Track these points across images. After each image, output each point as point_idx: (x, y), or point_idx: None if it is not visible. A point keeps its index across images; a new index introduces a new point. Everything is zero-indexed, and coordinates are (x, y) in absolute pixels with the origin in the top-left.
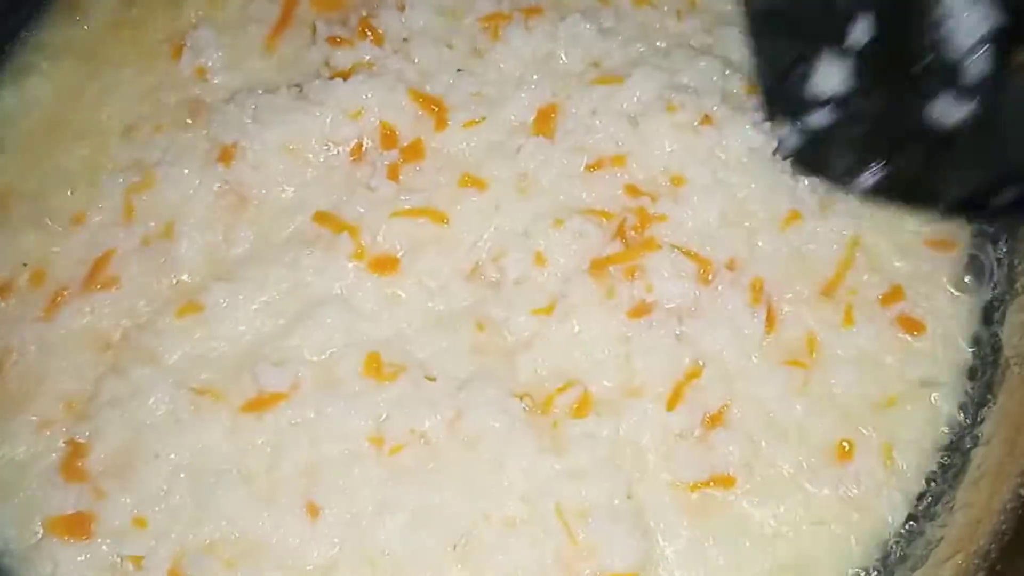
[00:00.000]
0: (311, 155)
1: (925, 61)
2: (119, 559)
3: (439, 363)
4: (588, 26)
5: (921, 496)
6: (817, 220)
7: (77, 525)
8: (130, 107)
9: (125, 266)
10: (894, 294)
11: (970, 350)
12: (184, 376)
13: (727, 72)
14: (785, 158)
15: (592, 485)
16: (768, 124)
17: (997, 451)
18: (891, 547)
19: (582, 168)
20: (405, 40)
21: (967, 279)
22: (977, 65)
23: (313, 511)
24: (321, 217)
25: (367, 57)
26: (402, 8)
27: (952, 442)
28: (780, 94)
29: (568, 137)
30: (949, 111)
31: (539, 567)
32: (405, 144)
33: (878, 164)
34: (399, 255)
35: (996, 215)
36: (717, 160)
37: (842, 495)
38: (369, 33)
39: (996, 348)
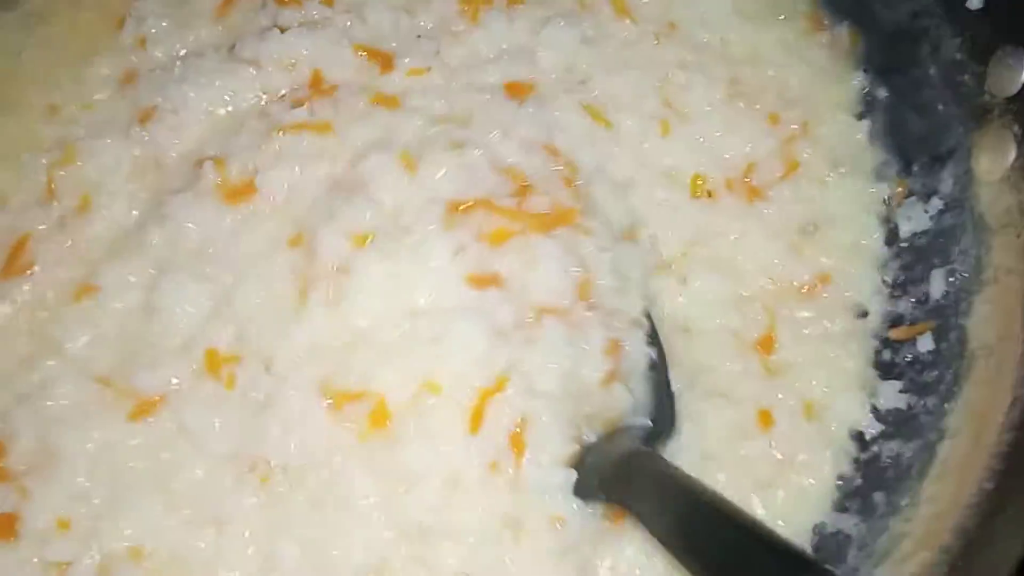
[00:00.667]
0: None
1: None
2: (44, 565)
3: None
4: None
5: (886, 486)
6: None
7: (2, 526)
8: (61, 82)
9: (40, 250)
10: None
11: None
12: (86, 365)
13: None
14: None
15: None
16: None
17: (963, 445)
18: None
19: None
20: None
21: None
22: None
23: (218, 525)
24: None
25: (315, 15)
26: None
27: None
28: None
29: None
30: None
31: None
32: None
33: None
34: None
35: None
36: None
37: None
38: None
39: (962, 340)
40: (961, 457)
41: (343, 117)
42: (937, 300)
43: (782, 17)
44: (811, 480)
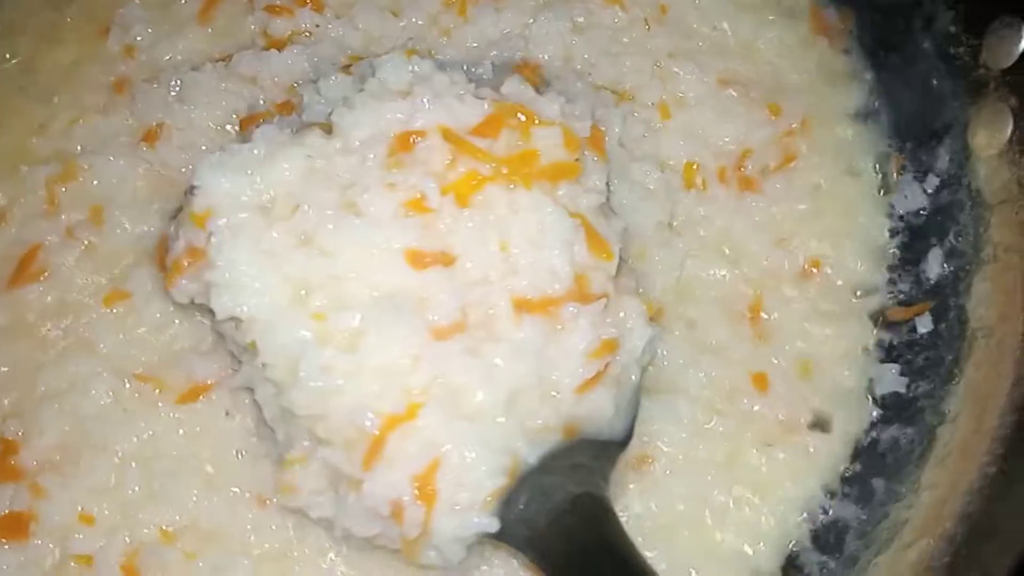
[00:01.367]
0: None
1: None
2: (65, 559)
3: None
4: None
5: (883, 473)
6: None
7: (13, 526)
8: (50, 93)
9: (53, 259)
10: None
11: None
12: (122, 364)
13: None
14: None
15: None
16: None
17: (963, 428)
18: None
19: None
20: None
21: None
22: None
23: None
24: None
25: (306, 24)
26: None
27: None
28: None
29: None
30: None
31: None
32: None
33: None
34: None
35: None
36: None
37: None
38: (309, 0)
39: (962, 320)
40: (962, 441)
41: None
42: (935, 280)
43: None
44: None
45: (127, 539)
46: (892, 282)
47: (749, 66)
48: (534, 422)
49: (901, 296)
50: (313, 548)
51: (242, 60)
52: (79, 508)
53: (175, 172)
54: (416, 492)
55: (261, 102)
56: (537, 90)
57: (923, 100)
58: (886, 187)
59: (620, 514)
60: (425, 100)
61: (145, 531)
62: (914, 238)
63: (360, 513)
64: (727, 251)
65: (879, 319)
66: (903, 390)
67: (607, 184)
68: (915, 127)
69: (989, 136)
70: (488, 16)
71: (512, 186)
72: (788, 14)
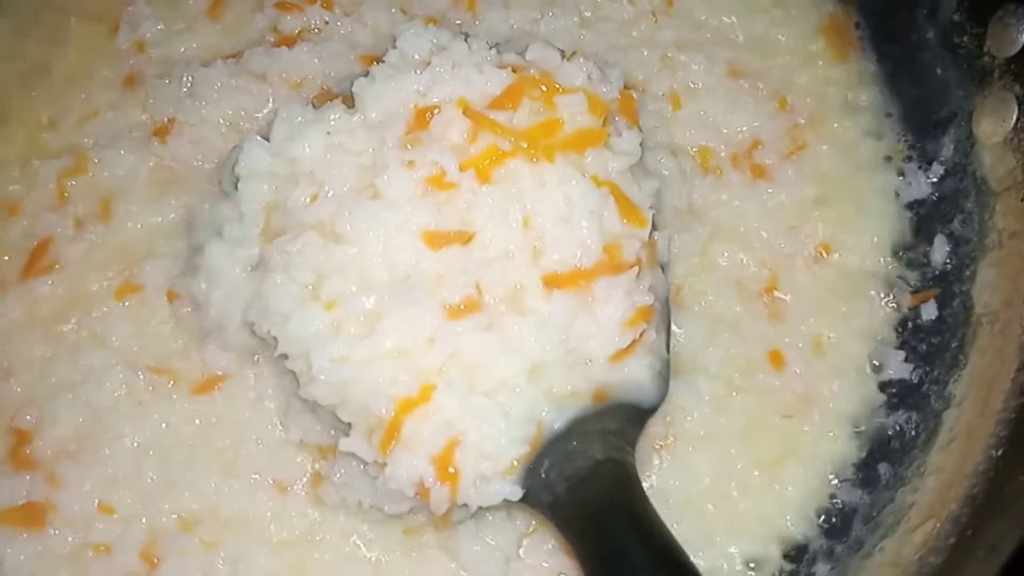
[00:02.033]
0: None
1: None
2: (83, 548)
3: None
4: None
5: (889, 458)
6: None
7: (28, 516)
8: (62, 89)
9: (63, 252)
10: None
11: None
12: (135, 356)
13: None
14: None
15: None
16: None
17: (968, 412)
18: None
19: None
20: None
21: None
22: None
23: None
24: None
25: (316, 21)
26: None
27: None
28: None
29: None
30: None
31: None
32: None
33: None
34: None
35: None
36: None
37: None
38: None
39: (967, 307)
40: (967, 425)
41: None
42: (941, 267)
43: None
44: None
45: (145, 527)
46: (899, 269)
47: (757, 57)
48: (563, 389)
49: (907, 283)
50: (335, 533)
51: (252, 57)
52: (96, 498)
53: (186, 166)
54: (436, 473)
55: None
56: (563, 55)
57: (928, 89)
58: (892, 176)
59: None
60: (443, 70)
61: (164, 520)
62: (920, 226)
63: (387, 494)
64: (742, 234)
65: (887, 304)
66: (908, 376)
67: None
68: (920, 116)
69: (994, 124)
70: (497, 12)
71: (535, 160)
72: (794, 7)
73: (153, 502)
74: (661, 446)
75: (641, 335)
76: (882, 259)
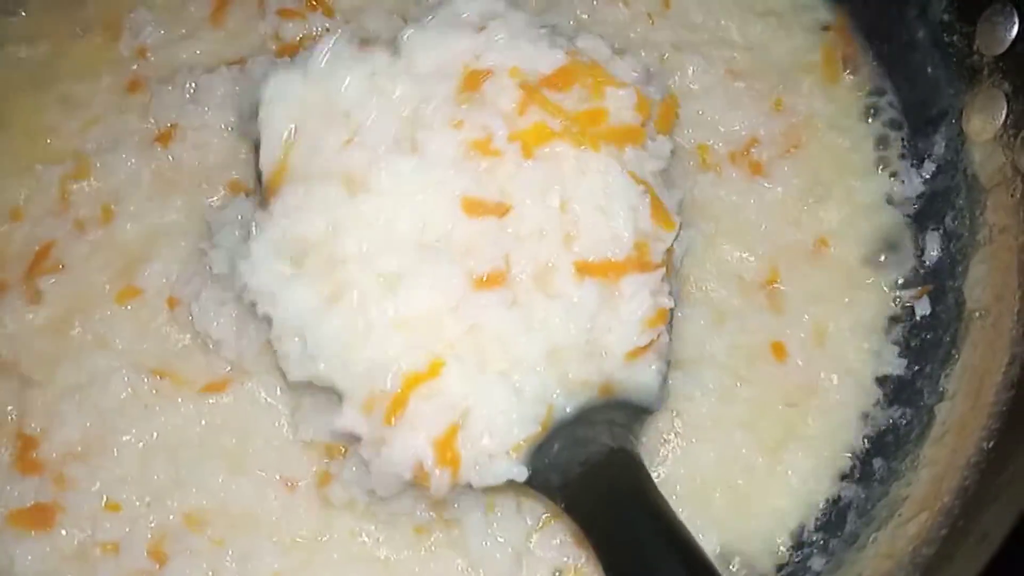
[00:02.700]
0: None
1: None
2: (91, 547)
3: None
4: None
5: (883, 453)
6: None
7: (37, 517)
8: (65, 94)
9: (65, 256)
10: None
11: None
12: (138, 359)
13: None
14: None
15: None
16: None
17: (961, 406)
18: None
19: None
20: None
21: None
22: None
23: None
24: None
25: (317, 29)
26: None
27: None
28: None
29: None
30: None
31: None
32: None
33: None
34: None
35: None
36: None
37: None
38: (318, 4)
39: (960, 302)
40: (960, 418)
41: None
42: (933, 263)
43: None
44: None
45: (153, 526)
46: (893, 265)
47: (753, 59)
48: (576, 376)
49: (901, 279)
50: (343, 532)
51: (256, 65)
52: (104, 497)
53: (188, 171)
54: (436, 456)
55: None
56: (614, 51)
57: (919, 88)
58: (885, 174)
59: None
60: (499, 38)
61: (171, 518)
62: (913, 223)
63: (381, 476)
64: (742, 229)
65: (882, 300)
66: (902, 372)
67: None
68: (911, 115)
69: (984, 121)
70: None
71: (581, 145)
72: (790, 8)
73: (160, 501)
74: (666, 439)
75: (658, 337)
76: (876, 255)
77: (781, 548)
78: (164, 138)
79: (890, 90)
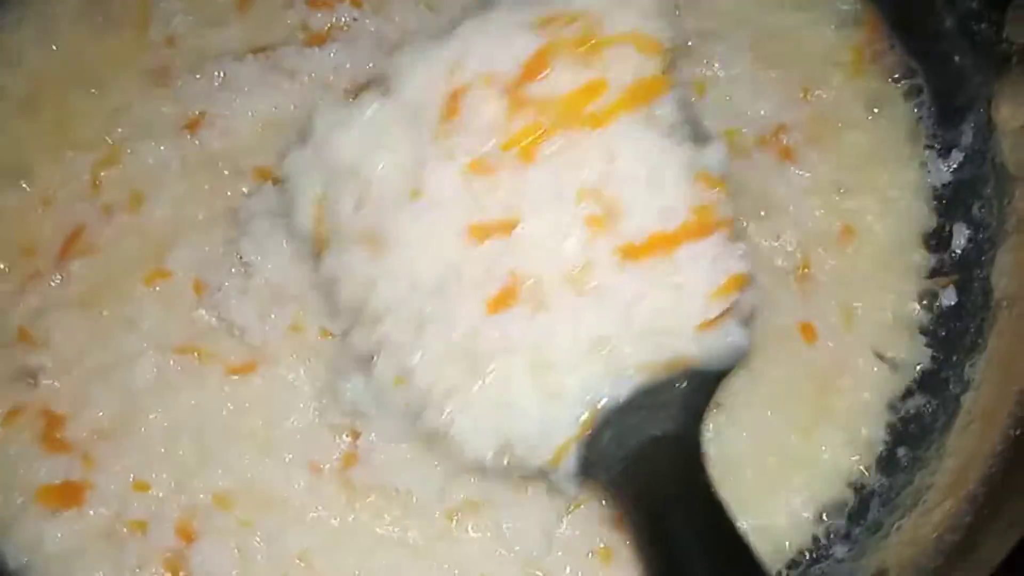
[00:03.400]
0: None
1: None
2: (117, 524)
3: None
4: None
5: (907, 442)
6: None
7: (67, 495)
8: (95, 81)
9: (96, 240)
10: None
11: None
12: (164, 340)
13: None
14: None
15: None
16: None
17: (987, 395)
18: None
19: None
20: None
21: None
22: None
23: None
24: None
25: (344, 18)
26: None
27: None
28: None
29: None
30: None
31: None
32: None
33: None
34: None
35: None
36: None
37: None
38: None
39: (986, 291)
40: (986, 408)
41: None
42: (960, 253)
43: None
44: None
45: (180, 505)
46: (920, 254)
47: (780, 47)
48: (630, 361)
49: (928, 269)
50: (369, 513)
51: (284, 56)
52: (131, 476)
53: (216, 158)
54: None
55: None
56: None
57: (947, 78)
58: (914, 163)
59: None
60: (467, 40)
61: (200, 497)
62: (940, 212)
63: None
64: (772, 212)
65: (910, 290)
66: (927, 361)
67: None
68: (940, 104)
69: (1013, 109)
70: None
71: (589, 128)
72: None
73: (187, 481)
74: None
75: (732, 306)
76: (904, 244)
77: (806, 533)
78: (192, 125)
79: (919, 80)
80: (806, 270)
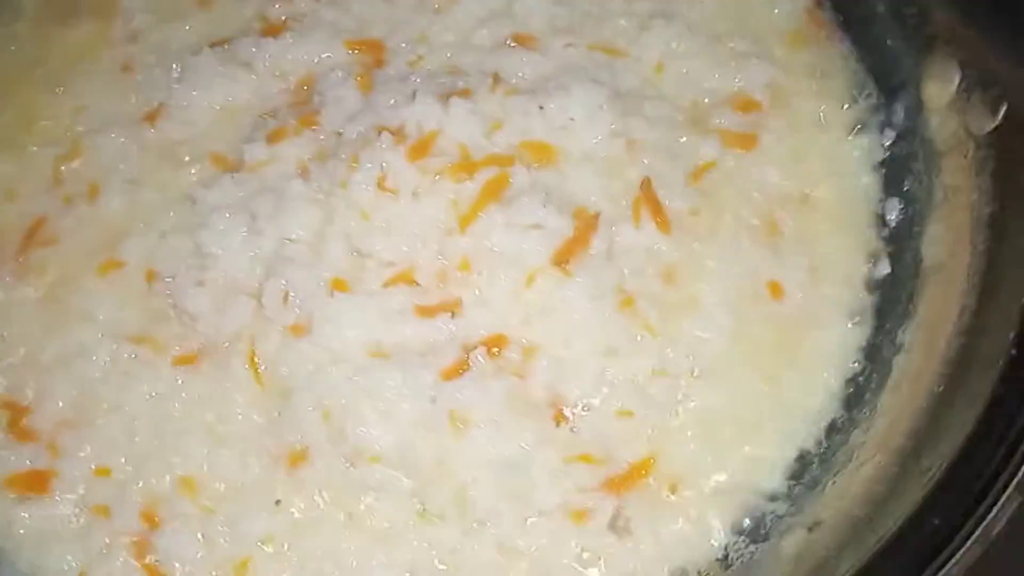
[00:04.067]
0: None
1: None
2: (82, 509)
3: None
4: None
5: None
6: None
7: (33, 482)
8: (58, 76)
9: (55, 232)
10: None
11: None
12: (118, 329)
13: None
14: None
15: None
16: None
17: (917, 357)
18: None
19: None
20: None
21: None
22: None
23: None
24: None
25: (302, 8)
26: None
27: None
28: None
29: None
30: None
31: None
32: None
33: None
34: None
35: None
36: None
37: None
38: None
39: (917, 260)
40: (914, 369)
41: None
42: (894, 225)
43: None
44: None
45: (142, 491)
46: (861, 226)
47: (731, 25)
48: None
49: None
50: (336, 500)
51: (240, 46)
52: (93, 464)
53: (173, 147)
54: None
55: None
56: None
57: (881, 59)
58: (853, 139)
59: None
60: None
61: (157, 483)
62: (879, 185)
63: None
64: (739, 178)
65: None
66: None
67: None
68: (873, 85)
69: (939, 88)
70: None
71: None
72: None
73: (146, 467)
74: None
75: None
76: (847, 216)
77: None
78: (152, 117)
79: (856, 61)
80: (773, 230)
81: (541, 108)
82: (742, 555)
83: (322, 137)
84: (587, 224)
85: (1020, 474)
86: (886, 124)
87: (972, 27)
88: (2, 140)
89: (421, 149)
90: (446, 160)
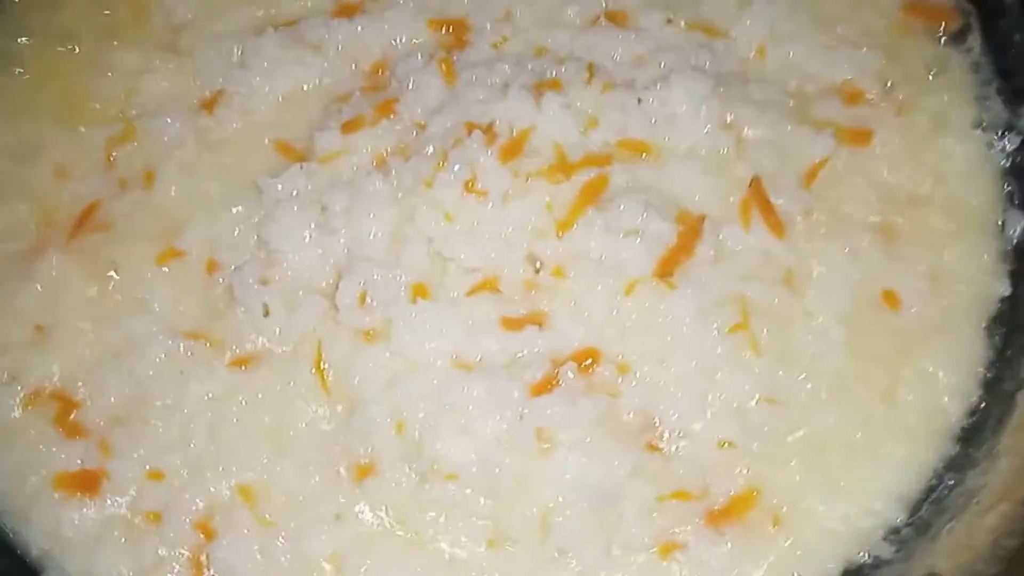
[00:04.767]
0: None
1: None
2: (134, 514)
3: None
4: None
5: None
6: None
7: (83, 482)
8: (113, 58)
9: (109, 217)
10: None
11: None
12: (175, 323)
13: None
14: None
15: None
16: None
17: None
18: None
19: None
20: None
21: None
22: None
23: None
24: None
25: None
26: None
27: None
28: None
29: None
30: None
31: None
32: None
33: None
34: None
35: None
36: None
37: None
38: None
39: None
40: None
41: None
42: (1016, 241)
43: None
44: None
45: (198, 498)
46: (980, 239)
47: (844, 9)
48: None
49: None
50: (402, 521)
51: (308, 27)
52: (147, 465)
53: (234, 135)
54: None
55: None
56: None
57: (1008, 55)
58: (978, 142)
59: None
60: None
61: (213, 490)
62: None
63: None
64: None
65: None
66: None
67: None
68: (1000, 84)
69: None
70: None
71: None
72: None
73: (202, 473)
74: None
75: None
76: (964, 227)
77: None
78: (210, 104)
79: (983, 59)
80: (891, 233)
81: (639, 102)
82: None
83: (399, 128)
84: (691, 228)
85: None
86: (1012, 128)
87: None
88: (50, 117)
89: (514, 149)
90: (540, 161)
